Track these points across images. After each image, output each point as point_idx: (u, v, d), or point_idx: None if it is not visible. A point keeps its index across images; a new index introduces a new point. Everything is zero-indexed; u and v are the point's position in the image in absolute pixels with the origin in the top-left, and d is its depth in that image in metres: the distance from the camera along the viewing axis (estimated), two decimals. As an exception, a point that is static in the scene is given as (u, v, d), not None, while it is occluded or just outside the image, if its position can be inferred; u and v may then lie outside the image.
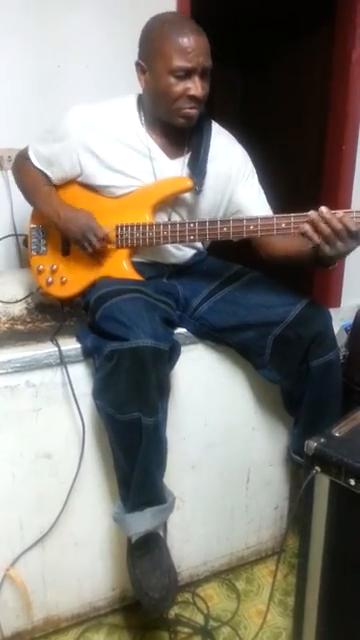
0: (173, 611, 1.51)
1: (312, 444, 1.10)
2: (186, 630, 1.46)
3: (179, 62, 1.18)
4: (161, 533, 1.29)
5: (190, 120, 1.27)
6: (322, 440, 1.11)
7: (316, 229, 1.12)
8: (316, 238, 1.13)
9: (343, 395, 1.40)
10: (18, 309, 1.52)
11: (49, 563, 1.38)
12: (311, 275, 2.57)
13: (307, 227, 1.13)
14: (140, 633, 1.45)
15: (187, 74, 1.20)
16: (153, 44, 1.22)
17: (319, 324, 1.30)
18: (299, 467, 1.42)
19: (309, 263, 1.26)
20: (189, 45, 1.18)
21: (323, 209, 1.12)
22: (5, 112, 1.72)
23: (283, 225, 1.18)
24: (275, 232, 1.20)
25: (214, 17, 2.67)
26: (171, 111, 1.25)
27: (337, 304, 2.49)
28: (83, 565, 1.43)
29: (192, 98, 1.22)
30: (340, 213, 1.11)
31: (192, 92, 1.21)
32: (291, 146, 2.92)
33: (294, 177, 2.73)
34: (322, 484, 1.10)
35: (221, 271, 1.45)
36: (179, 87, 1.21)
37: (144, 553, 1.24)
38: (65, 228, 1.34)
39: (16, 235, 1.73)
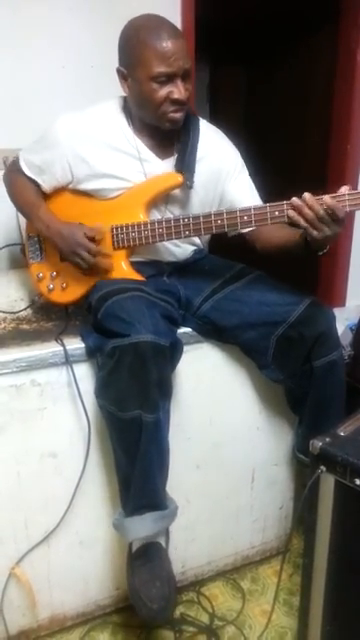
0: (178, 610, 1.51)
1: (317, 443, 1.10)
2: (191, 629, 1.46)
3: (159, 68, 1.18)
4: (162, 543, 1.28)
5: (176, 123, 1.28)
6: (327, 439, 1.11)
7: (300, 213, 1.14)
8: (302, 222, 1.15)
9: (348, 395, 1.40)
10: (24, 309, 1.53)
11: (54, 562, 1.38)
12: (316, 274, 2.57)
13: (291, 212, 1.16)
14: (145, 632, 1.45)
15: (169, 79, 1.20)
16: (132, 51, 1.21)
17: (322, 324, 1.29)
18: (304, 466, 1.42)
19: (300, 251, 1.27)
20: (168, 50, 1.17)
21: (306, 195, 1.14)
22: (10, 113, 1.73)
23: (277, 214, 1.19)
24: (269, 221, 1.20)
25: (218, 18, 2.68)
26: (157, 116, 1.26)
27: (342, 303, 2.49)
28: (88, 564, 1.43)
29: (176, 102, 1.23)
30: (326, 198, 1.13)
31: (175, 96, 1.22)
32: (295, 146, 2.92)
33: (298, 177, 2.73)
34: (327, 483, 1.10)
35: (223, 270, 1.45)
36: (162, 92, 1.21)
37: (144, 563, 1.23)
38: (54, 243, 1.34)
39: (21, 244, 1.73)
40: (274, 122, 3.21)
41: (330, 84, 2.42)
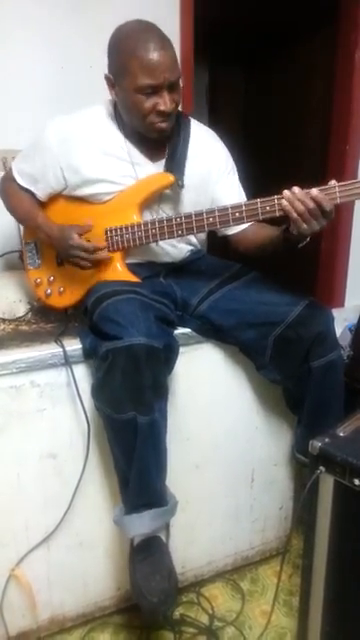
0: (178, 611, 1.51)
1: (316, 444, 1.10)
2: (191, 630, 1.46)
3: (145, 80, 1.17)
4: (163, 537, 1.28)
5: (163, 133, 1.27)
6: (326, 440, 1.11)
7: (292, 205, 1.14)
8: (293, 213, 1.14)
9: (347, 395, 1.40)
10: (22, 310, 1.53)
11: (54, 563, 1.38)
12: (315, 275, 2.57)
13: (284, 202, 1.15)
14: (145, 633, 1.45)
15: (154, 90, 1.19)
16: (118, 61, 1.21)
17: (320, 324, 1.30)
18: (303, 467, 1.42)
19: (279, 247, 1.28)
20: (154, 62, 1.16)
21: (295, 189, 1.15)
22: (9, 114, 1.73)
23: (267, 208, 1.19)
24: (261, 216, 1.20)
25: (217, 20, 2.68)
26: (143, 126, 1.25)
27: (341, 304, 2.49)
28: (88, 565, 1.43)
29: (161, 113, 1.22)
30: (315, 191, 1.13)
31: (161, 108, 1.21)
32: (294, 146, 2.92)
33: (297, 176, 2.73)
34: (326, 484, 1.10)
35: (221, 270, 1.45)
36: (148, 103, 1.21)
37: (145, 557, 1.24)
38: (56, 248, 1.37)
39: (20, 250, 1.73)
40: (273, 122, 3.21)
41: (329, 84, 2.42)
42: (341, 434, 1.14)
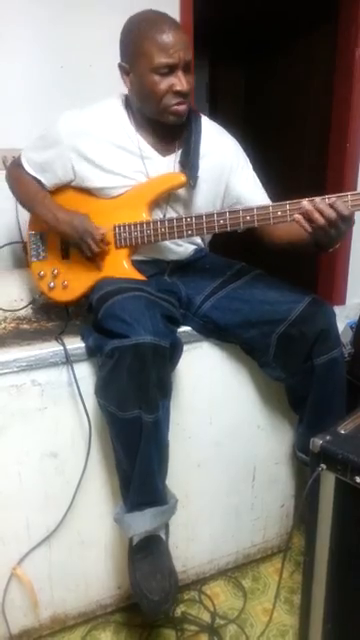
0: (180, 609, 1.51)
1: (318, 441, 1.10)
2: (193, 628, 1.46)
3: (161, 59, 1.19)
4: (162, 536, 1.28)
5: (180, 116, 1.27)
6: (328, 437, 1.11)
7: (309, 219, 1.12)
8: (308, 227, 1.13)
9: (349, 393, 1.40)
10: (24, 309, 1.53)
11: (56, 562, 1.38)
12: (316, 273, 2.57)
13: (299, 217, 1.13)
14: (147, 631, 1.45)
15: (170, 70, 1.20)
16: (133, 44, 1.22)
17: (322, 322, 1.29)
18: (305, 465, 1.42)
19: (310, 248, 1.26)
20: (169, 41, 1.18)
21: (317, 199, 1.12)
22: (8, 113, 1.73)
23: (279, 213, 1.18)
24: (272, 221, 1.20)
25: (217, 16, 2.68)
26: (159, 109, 1.25)
27: (342, 302, 2.49)
28: (89, 563, 1.43)
29: (178, 93, 1.23)
30: (333, 199, 1.11)
31: (177, 87, 1.22)
32: (295, 143, 2.92)
33: (297, 175, 2.73)
34: (328, 481, 1.10)
35: (224, 269, 1.45)
36: (164, 84, 1.21)
37: (145, 556, 1.24)
38: (62, 231, 1.35)
39: (22, 242, 1.73)
40: (273, 121, 3.21)
41: (329, 82, 2.42)
42: (342, 432, 1.14)
